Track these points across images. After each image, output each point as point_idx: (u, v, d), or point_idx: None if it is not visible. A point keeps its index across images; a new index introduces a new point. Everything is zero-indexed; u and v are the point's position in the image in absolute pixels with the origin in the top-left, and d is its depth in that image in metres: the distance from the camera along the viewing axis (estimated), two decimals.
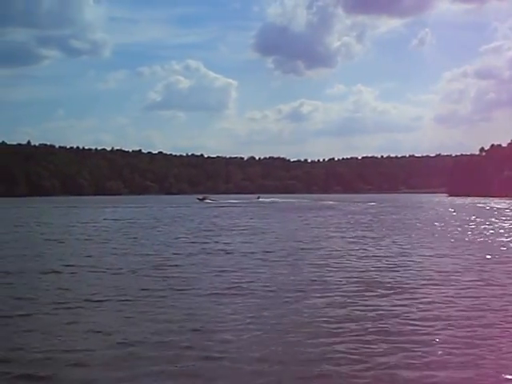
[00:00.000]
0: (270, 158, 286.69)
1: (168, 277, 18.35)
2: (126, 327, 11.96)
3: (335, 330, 11.47)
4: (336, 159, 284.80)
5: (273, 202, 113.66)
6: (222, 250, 26.27)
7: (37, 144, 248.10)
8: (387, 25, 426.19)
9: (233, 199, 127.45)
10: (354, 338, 10.91)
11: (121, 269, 20.28)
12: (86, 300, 14.60)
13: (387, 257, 23.43)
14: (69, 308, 13.76)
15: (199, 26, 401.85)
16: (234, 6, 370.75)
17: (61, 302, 14.48)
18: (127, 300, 14.66)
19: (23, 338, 11.19)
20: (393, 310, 13.27)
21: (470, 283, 16.89)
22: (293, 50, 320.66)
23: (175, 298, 14.96)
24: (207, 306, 13.82)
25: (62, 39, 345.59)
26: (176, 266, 20.99)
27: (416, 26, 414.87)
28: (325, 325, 11.90)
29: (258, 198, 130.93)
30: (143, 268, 20.33)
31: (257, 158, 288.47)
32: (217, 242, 30.04)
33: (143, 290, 16.01)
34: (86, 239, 32.86)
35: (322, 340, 10.78)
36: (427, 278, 17.95)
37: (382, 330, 11.40)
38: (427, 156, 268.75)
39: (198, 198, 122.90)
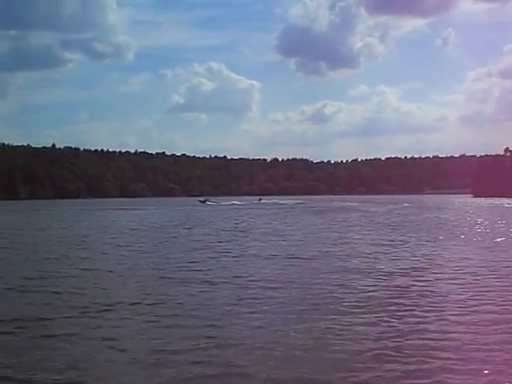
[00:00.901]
0: (293, 159, 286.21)
1: (192, 280, 18.17)
2: (152, 334, 11.81)
3: (362, 337, 11.22)
4: (359, 160, 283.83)
5: (275, 203, 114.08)
6: (244, 253, 26.00)
7: (61, 147, 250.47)
8: (410, 25, 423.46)
9: (235, 201, 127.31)
10: (388, 352, 10.52)
11: (145, 272, 20.19)
12: (108, 305, 14.41)
13: (414, 260, 22.96)
14: (91, 313, 13.61)
15: (221, 28, 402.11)
16: (256, 7, 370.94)
17: (83, 306, 14.35)
18: (154, 304, 14.54)
19: (46, 344, 11.07)
20: (426, 318, 12.94)
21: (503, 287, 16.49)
22: (315, 51, 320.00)
23: (198, 304, 14.72)
24: (233, 314, 13.57)
25: (85, 42, 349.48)
26: (202, 270, 20.65)
27: (439, 26, 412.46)
28: (352, 335, 11.56)
29: (260, 199, 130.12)
30: (169, 271, 20.19)
31: (280, 159, 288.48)
32: (240, 245, 29.77)
33: (167, 294, 15.83)
34: (109, 242, 32.82)
35: (349, 350, 10.54)
36: (459, 283, 17.48)
37: (418, 345, 10.79)
38: (451, 156, 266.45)
39: (200, 200, 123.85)
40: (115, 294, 16.12)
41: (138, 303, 14.71)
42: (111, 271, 20.56)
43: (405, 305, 14.14)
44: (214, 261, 23.27)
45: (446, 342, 10.78)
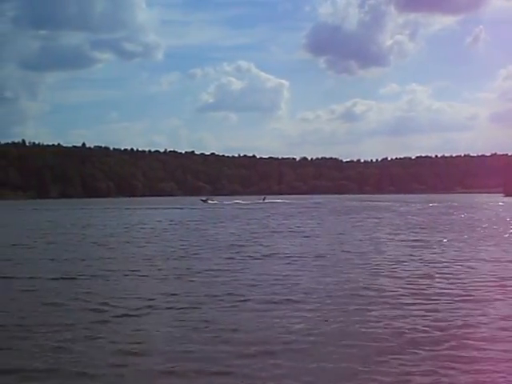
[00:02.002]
0: (322, 158, 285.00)
1: (219, 282, 17.97)
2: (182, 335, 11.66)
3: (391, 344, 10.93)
4: (389, 159, 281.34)
5: (280, 203, 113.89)
6: (273, 253, 25.69)
7: (92, 146, 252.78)
8: (440, 22, 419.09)
9: (239, 200, 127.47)
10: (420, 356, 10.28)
11: (170, 273, 20.09)
12: (137, 308, 14.23)
13: (446, 262, 22.45)
14: (118, 316, 13.46)
15: (250, 27, 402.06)
16: (285, 6, 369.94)
17: (110, 309, 14.23)
18: (182, 307, 14.35)
19: (72, 347, 10.95)
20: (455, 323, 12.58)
21: None
22: (345, 50, 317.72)
23: (229, 305, 14.52)
24: (261, 315, 13.37)
25: (115, 42, 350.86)
26: (229, 270, 20.54)
27: (470, 23, 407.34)
28: (379, 342, 11.25)
29: (264, 198, 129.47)
30: (195, 273, 20.03)
31: (309, 158, 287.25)
32: (266, 246, 29.49)
33: (196, 296, 15.71)
34: (135, 242, 32.82)
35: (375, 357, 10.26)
36: (490, 286, 17.05)
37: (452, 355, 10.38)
38: (483, 155, 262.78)
39: (202, 200, 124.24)
40: (143, 295, 15.98)
41: (170, 307, 14.56)
42: (145, 274, 20.40)
43: (438, 310, 13.77)
44: (243, 262, 23.07)
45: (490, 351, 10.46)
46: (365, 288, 16.66)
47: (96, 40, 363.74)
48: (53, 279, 18.91)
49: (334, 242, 31.52)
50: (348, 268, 20.87)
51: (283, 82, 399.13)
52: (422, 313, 13.42)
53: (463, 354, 10.15)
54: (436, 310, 13.68)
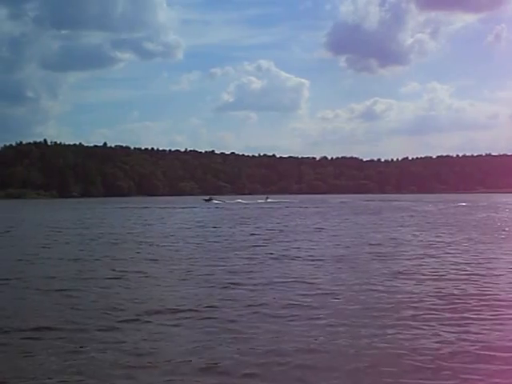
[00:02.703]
0: (342, 157, 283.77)
1: (240, 285, 17.70)
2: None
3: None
4: (410, 158, 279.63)
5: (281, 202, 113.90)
6: (290, 255, 25.28)
7: (113, 145, 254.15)
8: (461, 21, 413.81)
9: (240, 199, 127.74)
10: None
11: (186, 275, 19.89)
12: (158, 312, 14.01)
13: (470, 264, 21.95)
14: (141, 321, 13.19)
15: (271, 26, 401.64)
16: (306, 4, 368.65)
17: (123, 312, 14.03)
18: (199, 311, 14.15)
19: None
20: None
21: None
22: (365, 48, 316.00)
23: (248, 309, 14.32)
24: (280, 321, 13.13)
25: (135, 42, 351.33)
26: (246, 272, 20.30)
27: (491, 22, 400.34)
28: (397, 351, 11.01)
29: (267, 198, 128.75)
30: (213, 274, 19.89)
31: (329, 157, 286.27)
32: (283, 247, 29.16)
33: (213, 298, 15.54)
34: (151, 241, 32.75)
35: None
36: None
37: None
38: (504, 155, 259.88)
39: (204, 199, 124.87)
40: (157, 300, 15.84)
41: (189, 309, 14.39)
42: (161, 275, 20.30)
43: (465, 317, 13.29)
44: (261, 263, 22.82)
45: None
46: (385, 291, 16.27)
47: (117, 40, 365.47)
48: (68, 279, 18.81)
49: (354, 242, 31.18)
50: (368, 270, 20.47)
51: (303, 81, 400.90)
52: (441, 317, 13.16)
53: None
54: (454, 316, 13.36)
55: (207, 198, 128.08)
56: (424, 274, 19.37)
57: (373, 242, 30.58)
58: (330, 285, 17.32)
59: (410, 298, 15.31)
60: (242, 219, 56.95)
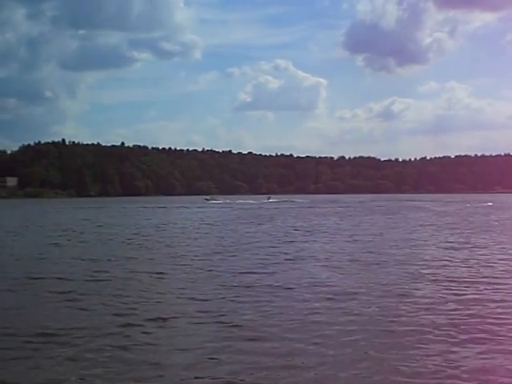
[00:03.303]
0: (360, 157, 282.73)
1: (257, 285, 17.41)
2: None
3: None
4: (428, 158, 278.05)
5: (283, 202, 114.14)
6: (307, 256, 24.78)
7: (130, 145, 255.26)
8: (480, 19, 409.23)
9: (241, 199, 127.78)
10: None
11: (203, 275, 19.59)
12: (172, 316, 13.65)
13: (493, 266, 21.26)
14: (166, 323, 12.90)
15: (288, 26, 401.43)
16: (323, 4, 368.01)
17: (136, 315, 13.72)
18: (216, 312, 13.86)
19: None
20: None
21: None
22: (383, 47, 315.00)
23: (264, 310, 14.02)
24: (300, 324, 12.83)
25: (153, 42, 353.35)
26: (267, 273, 19.88)
27: (510, 20, 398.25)
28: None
29: (269, 198, 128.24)
30: (230, 274, 19.59)
31: (347, 157, 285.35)
32: (297, 247, 28.73)
33: (231, 299, 15.26)
34: (167, 241, 32.54)
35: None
36: None
37: None
38: None
39: (206, 199, 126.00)
40: (178, 299, 15.63)
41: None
42: (176, 276, 20.10)
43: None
44: (278, 263, 22.54)
45: None
46: (405, 294, 15.80)
47: (134, 39, 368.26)
48: (82, 280, 18.59)
49: (371, 243, 30.84)
50: (387, 271, 20.03)
51: (321, 80, 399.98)
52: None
53: None
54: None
55: (208, 197, 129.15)
56: (448, 277, 18.64)
57: (393, 243, 30.11)
58: (349, 288, 16.76)
59: (432, 302, 14.75)
60: (258, 218, 56.68)
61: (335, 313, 13.57)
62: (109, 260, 23.99)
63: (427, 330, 11.93)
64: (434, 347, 10.70)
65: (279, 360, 10.11)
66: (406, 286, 17.05)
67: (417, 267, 21.01)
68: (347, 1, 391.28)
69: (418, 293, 16.07)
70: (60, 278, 18.85)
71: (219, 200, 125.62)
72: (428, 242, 30.94)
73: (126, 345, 11.08)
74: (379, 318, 13.12)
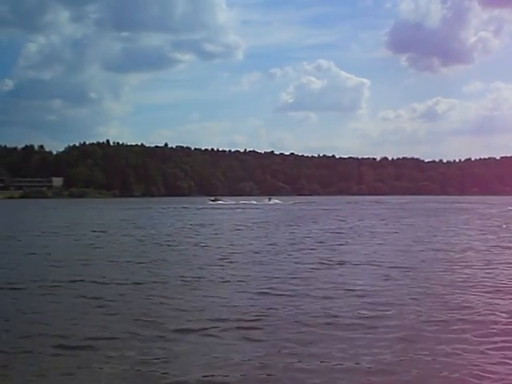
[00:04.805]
0: (403, 158, 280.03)
1: (294, 292, 17.16)
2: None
3: None
4: (473, 159, 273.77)
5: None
6: (346, 260, 24.01)
7: (173, 146, 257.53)
8: None
9: (245, 201, 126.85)
10: None
11: (237, 280, 19.07)
12: (207, 322, 13.43)
13: None
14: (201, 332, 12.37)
15: (330, 26, 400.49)
16: (366, 3, 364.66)
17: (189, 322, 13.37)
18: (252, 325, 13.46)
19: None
20: None
21: None
22: (427, 47, 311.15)
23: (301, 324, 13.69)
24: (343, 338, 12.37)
25: (195, 43, 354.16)
26: (303, 278, 19.37)
27: None
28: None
29: (270, 199, 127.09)
30: (265, 281, 19.48)
31: (390, 158, 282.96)
32: (335, 250, 28.25)
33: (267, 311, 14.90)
34: (203, 244, 32.43)
35: None
36: None
37: None
38: None
39: (211, 200, 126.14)
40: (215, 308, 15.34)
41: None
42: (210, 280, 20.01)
43: None
44: (318, 269, 22.30)
45: None
46: (457, 307, 14.51)
47: (177, 41, 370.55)
48: (119, 284, 18.28)
49: (413, 247, 30.34)
50: (434, 280, 18.78)
51: (364, 80, 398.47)
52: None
53: None
54: None
55: (213, 198, 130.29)
56: (492, 285, 17.55)
57: (437, 247, 29.18)
58: (390, 296, 15.89)
59: (476, 312, 13.86)
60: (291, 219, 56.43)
61: (377, 324, 12.87)
62: (146, 262, 23.85)
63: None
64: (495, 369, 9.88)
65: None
66: (455, 296, 15.91)
67: (464, 272, 20.29)
68: (390, 0, 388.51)
69: (465, 301, 15.14)
70: (93, 282, 18.61)
71: (226, 201, 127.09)
72: (476, 247, 29.82)
73: (147, 358, 10.50)
74: (423, 327, 12.46)
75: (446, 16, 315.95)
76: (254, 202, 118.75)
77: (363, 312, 13.82)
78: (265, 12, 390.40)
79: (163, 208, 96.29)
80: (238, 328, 12.43)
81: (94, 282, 18.72)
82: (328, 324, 12.79)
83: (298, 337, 11.74)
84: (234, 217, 67.46)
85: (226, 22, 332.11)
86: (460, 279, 18.82)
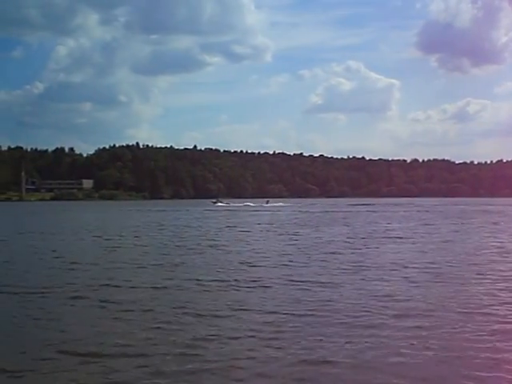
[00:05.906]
0: (433, 160, 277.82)
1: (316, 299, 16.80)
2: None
3: None
4: (505, 161, 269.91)
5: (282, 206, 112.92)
6: (369, 265, 23.20)
7: (202, 148, 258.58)
8: None
9: (248, 203, 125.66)
10: None
11: (258, 284, 18.60)
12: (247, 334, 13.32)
13: None
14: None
15: (359, 27, 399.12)
16: (395, 4, 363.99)
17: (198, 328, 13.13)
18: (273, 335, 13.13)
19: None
20: None
21: None
22: (457, 47, 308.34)
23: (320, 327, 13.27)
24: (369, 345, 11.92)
25: (224, 45, 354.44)
26: (333, 283, 18.77)
27: None
28: None
29: (267, 202, 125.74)
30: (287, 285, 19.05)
31: (420, 160, 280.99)
32: (364, 254, 27.66)
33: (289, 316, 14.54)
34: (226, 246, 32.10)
35: None
36: None
37: None
38: None
39: (212, 201, 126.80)
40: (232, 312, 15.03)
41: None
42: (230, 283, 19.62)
43: None
44: (342, 273, 21.79)
45: None
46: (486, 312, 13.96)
47: (205, 43, 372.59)
48: (147, 288, 17.88)
49: (442, 250, 29.67)
50: (466, 287, 17.89)
51: (393, 81, 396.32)
52: None
53: None
54: None
55: (215, 200, 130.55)
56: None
57: (471, 252, 28.31)
58: (422, 304, 15.03)
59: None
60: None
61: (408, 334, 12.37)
62: (173, 266, 23.59)
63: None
64: None
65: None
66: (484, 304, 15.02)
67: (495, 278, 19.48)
68: (420, 0, 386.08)
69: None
70: (111, 286, 18.23)
71: (224, 202, 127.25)
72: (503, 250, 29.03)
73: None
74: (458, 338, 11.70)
75: (477, 16, 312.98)
76: (252, 205, 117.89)
77: (392, 320, 13.27)
78: (293, 14, 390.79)
79: (160, 210, 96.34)
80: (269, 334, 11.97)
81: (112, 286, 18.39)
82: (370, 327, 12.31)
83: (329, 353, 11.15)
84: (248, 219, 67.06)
85: (254, 23, 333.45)
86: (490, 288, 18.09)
